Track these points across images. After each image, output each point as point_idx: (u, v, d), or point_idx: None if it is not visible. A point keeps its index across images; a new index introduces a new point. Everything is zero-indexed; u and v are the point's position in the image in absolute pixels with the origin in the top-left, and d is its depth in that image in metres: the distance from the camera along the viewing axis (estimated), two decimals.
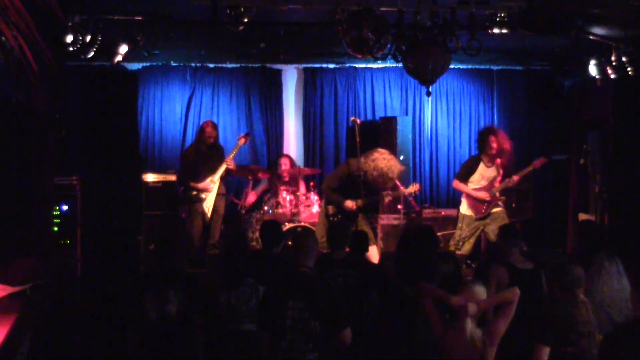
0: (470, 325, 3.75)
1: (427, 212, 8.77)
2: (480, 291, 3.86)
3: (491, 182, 7.65)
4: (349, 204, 7.22)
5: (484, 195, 7.60)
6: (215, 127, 8.32)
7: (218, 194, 8.06)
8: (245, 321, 4.49)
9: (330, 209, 7.39)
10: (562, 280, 4.02)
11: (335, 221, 7.20)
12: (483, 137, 7.76)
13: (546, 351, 3.86)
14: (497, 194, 7.63)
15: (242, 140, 8.27)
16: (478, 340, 3.76)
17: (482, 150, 7.73)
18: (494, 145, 7.59)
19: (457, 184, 7.86)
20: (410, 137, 9.24)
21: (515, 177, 7.61)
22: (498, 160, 7.67)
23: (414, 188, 7.88)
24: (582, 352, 3.87)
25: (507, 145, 7.67)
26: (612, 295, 4.37)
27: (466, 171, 7.81)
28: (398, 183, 8.00)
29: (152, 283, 4.33)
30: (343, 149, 9.60)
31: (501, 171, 7.69)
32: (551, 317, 3.99)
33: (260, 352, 3.93)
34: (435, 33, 5.46)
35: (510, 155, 7.72)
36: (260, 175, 8.75)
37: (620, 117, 8.02)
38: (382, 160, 7.17)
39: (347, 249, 5.14)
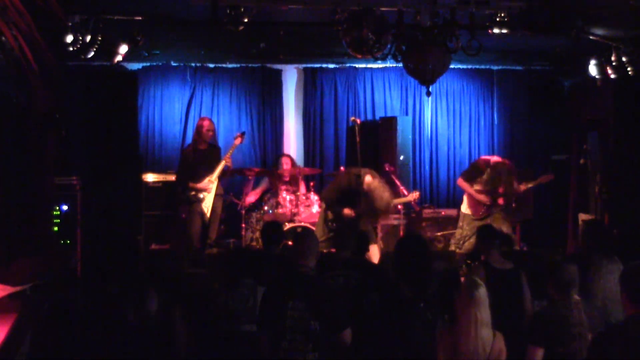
0: (481, 331, 3.76)
1: (427, 212, 8.78)
2: (483, 293, 3.87)
3: (495, 188, 7.63)
4: (347, 211, 7.26)
5: (485, 198, 7.60)
6: (212, 121, 8.32)
7: (216, 195, 8.06)
8: (244, 322, 4.49)
9: (329, 214, 7.41)
10: (556, 279, 4.01)
11: (335, 226, 7.24)
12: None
13: (540, 352, 3.86)
14: (500, 200, 7.61)
15: (239, 140, 8.26)
16: (486, 345, 3.76)
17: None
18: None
19: (461, 182, 7.85)
20: (410, 137, 9.24)
21: (522, 187, 7.62)
22: (500, 201, 7.65)
23: (413, 196, 7.90)
24: (573, 354, 3.87)
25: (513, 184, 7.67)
26: (616, 292, 4.36)
27: (473, 173, 7.79)
28: (399, 184, 8.02)
29: (133, 282, 4.33)
30: (343, 149, 9.60)
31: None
32: (543, 317, 3.99)
33: (259, 352, 3.93)
34: (435, 33, 5.46)
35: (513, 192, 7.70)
36: (258, 173, 8.75)
37: (620, 117, 8.01)
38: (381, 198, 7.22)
39: None
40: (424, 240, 4.69)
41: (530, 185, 7.75)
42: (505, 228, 7.51)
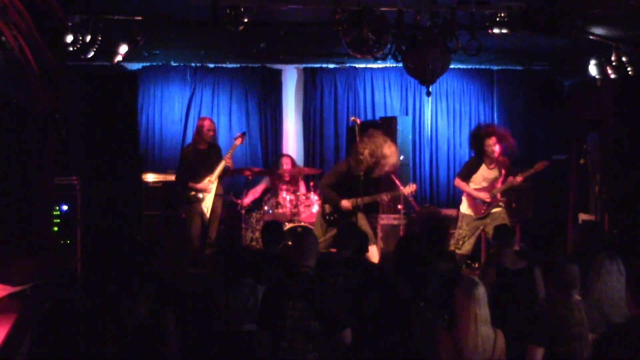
0: (481, 328, 3.77)
1: None
2: (482, 291, 3.88)
3: (492, 184, 7.65)
4: (345, 203, 7.23)
5: (484, 196, 7.60)
6: (212, 121, 8.33)
7: (216, 195, 8.06)
8: (243, 321, 4.48)
9: (327, 207, 7.39)
10: (557, 279, 4.02)
11: (332, 220, 7.23)
12: (477, 139, 7.74)
13: (540, 352, 3.86)
14: (498, 195, 7.62)
15: (239, 140, 8.26)
16: (486, 342, 3.77)
17: (478, 153, 7.73)
18: (493, 148, 7.57)
19: (458, 182, 7.86)
20: (410, 137, 9.25)
21: (519, 178, 7.61)
22: (501, 158, 7.64)
23: (411, 188, 7.88)
24: (573, 353, 3.87)
25: (508, 141, 7.63)
26: (612, 293, 4.37)
27: (468, 171, 7.80)
28: (397, 182, 8.01)
29: (124, 283, 4.32)
30: (343, 149, 9.60)
31: (503, 172, 7.67)
32: (544, 317, 3.99)
33: (259, 352, 3.92)
34: (435, 33, 5.47)
35: (513, 149, 7.67)
36: (258, 173, 8.75)
37: (620, 117, 8.01)
38: (385, 147, 7.18)
39: None
40: (423, 240, 4.69)
41: (526, 174, 7.73)
42: None
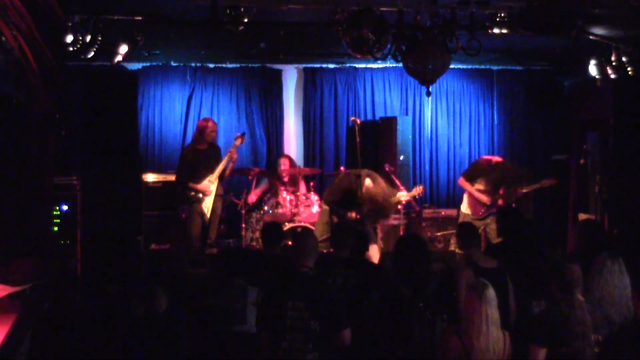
0: (491, 329, 3.78)
1: (427, 212, 8.78)
2: (492, 293, 3.88)
3: (495, 189, 7.62)
4: (352, 215, 7.27)
5: (485, 199, 7.59)
6: (215, 122, 8.33)
7: (216, 195, 8.06)
8: (235, 322, 4.48)
9: (335, 218, 7.42)
10: (560, 279, 4.02)
11: (338, 221, 7.25)
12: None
13: (543, 352, 3.87)
14: (500, 201, 7.60)
15: (239, 140, 8.25)
16: (496, 344, 3.78)
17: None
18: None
19: (462, 181, 7.84)
20: (410, 137, 9.25)
21: (522, 191, 7.62)
22: (500, 202, 7.65)
23: (417, 191, 7.89)
24: (575, 353, 3.88)
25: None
26: (613, 293, 4.37)
27: (474, 172, 7.79)
28: (398, 183, 8.01)
29: (142, 280, 4.34)
30: (343, 149, 9.61)
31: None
32: (546, 317, 4.00)
33: (259, 352, 3.93)
34: (435, 33, 5.46)
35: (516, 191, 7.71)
36: (258, 173, 8.75)
37: (620, 117, 8.02)
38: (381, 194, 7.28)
39: None
40: (423, 240, 4.69)
41: (531, 187, 7.74)
42: None
